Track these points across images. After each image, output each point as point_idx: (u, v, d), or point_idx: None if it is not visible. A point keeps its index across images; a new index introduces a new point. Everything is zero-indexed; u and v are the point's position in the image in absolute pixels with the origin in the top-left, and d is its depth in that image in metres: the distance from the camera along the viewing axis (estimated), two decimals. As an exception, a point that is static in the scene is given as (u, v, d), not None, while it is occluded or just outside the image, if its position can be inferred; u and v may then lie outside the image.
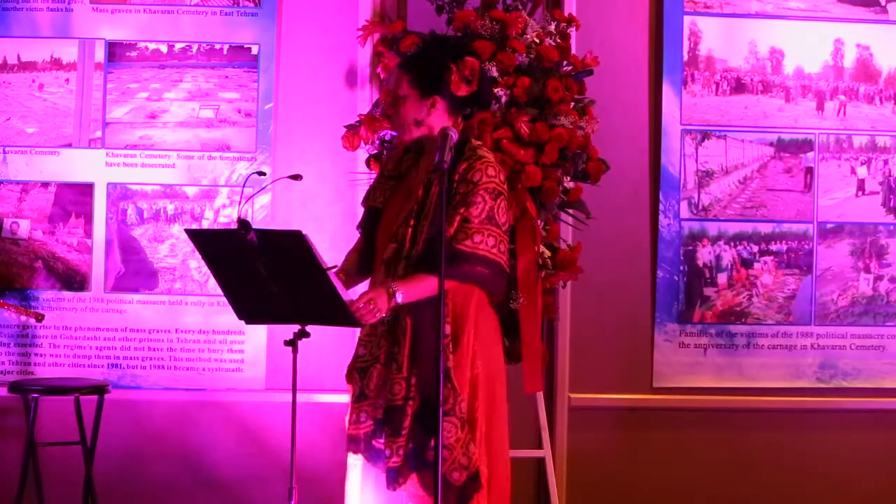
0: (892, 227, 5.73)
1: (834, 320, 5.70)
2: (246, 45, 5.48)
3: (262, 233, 4.17)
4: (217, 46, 5.48)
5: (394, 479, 3.89)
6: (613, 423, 5.60)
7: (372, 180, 5.10)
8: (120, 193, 5.45)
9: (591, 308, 5.56)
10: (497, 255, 3.85)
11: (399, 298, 3.80)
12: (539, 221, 4.96)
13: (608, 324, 5.59)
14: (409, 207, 3.95)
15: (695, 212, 5.63)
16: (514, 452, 5.31)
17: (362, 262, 4.17)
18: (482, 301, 3.98)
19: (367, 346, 4.00)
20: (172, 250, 5.45)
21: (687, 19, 5.63)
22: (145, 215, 5.45)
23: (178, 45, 5.48)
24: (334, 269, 4.10)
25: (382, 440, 3.92)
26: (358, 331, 4.14)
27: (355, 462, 4.09)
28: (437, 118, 3.95)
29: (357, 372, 4.01)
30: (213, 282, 4.57)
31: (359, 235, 4.23)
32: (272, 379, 5.44)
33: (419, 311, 3.89)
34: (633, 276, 5.60)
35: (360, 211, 5.26)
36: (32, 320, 5.14)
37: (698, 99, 5.64)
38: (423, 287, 3.82)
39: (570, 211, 5.17)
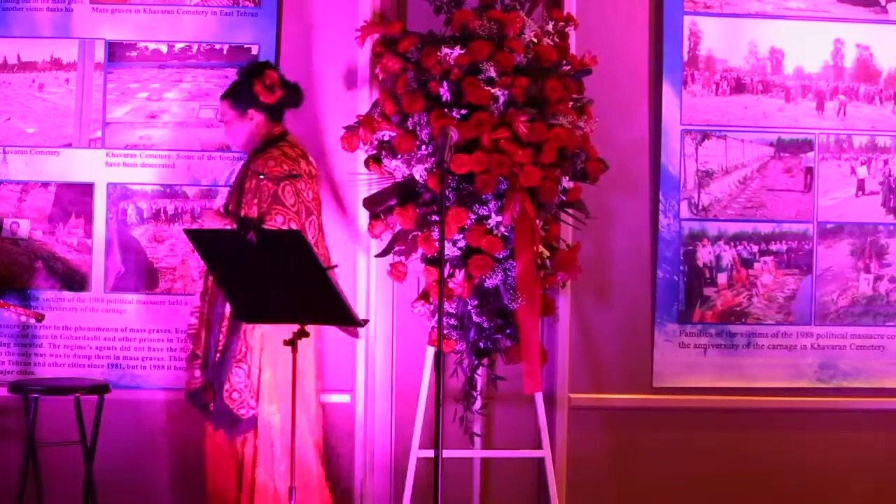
0: (892, 227, 5.72)
1: (834, 320, 5.69)
2: (246, 45, 5.48)
3: (262, 233, 4.18)
4: (217, 46, 5.48)
5: None
6: (613, 423, 5.60)
7: (370, 181, 5.12)
8: (120, 193, 5.45)
9: (591, 308, 5.56)
10: None
11: None
12: (538, 221, 4.96)
13: (608, 324, 5.58)
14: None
15: (695, 212, 5.63)
16: (514, 452, 5.33)
17: None
18: None
19: None
20: (172, 250, 5.45)
21: (687, 19, 5.62)
22: (145, 215, 5.45)
23: (178, 45, 5.48)
24: (334, 269, 4.11)
25: None
26: (361, 331, 4.17)
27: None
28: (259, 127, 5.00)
29: None
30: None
31: None
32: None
33: None
34: (633, 276, 5.60)
35: (361, 211, 5.30)
36: (32, 320, 5.14)
37: (698, 99, 5.63)
38: None
39: (570, 211, 5.17)
